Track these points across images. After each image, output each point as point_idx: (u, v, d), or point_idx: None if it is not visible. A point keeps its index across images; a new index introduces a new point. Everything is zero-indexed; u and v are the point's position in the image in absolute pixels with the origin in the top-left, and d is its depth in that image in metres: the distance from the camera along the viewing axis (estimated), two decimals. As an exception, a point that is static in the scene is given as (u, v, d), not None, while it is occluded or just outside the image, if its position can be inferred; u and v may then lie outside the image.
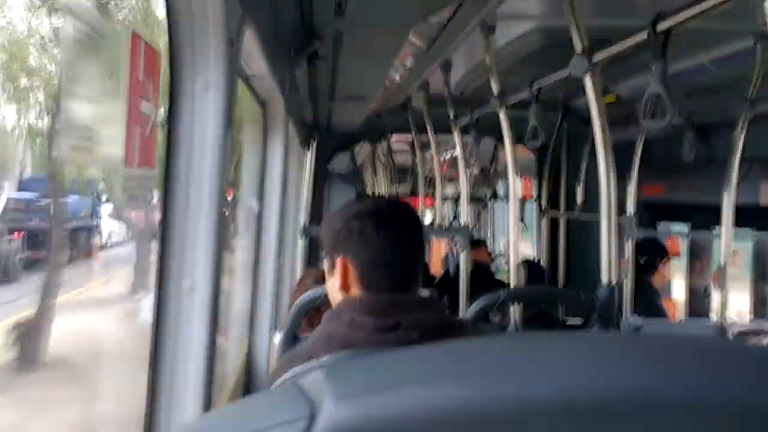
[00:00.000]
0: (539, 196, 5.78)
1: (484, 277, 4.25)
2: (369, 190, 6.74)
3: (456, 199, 7.18)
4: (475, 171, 6.85)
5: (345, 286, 1.38)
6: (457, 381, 0.37)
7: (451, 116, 3.61)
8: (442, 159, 5.83)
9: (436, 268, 7.61)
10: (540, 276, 5.24)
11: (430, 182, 8.86)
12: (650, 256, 3.93)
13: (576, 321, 4.00)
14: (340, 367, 0.42)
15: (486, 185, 7.03)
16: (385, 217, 1.35)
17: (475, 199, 7.40)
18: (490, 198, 6.87)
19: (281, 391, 0.43)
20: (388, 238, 1.33)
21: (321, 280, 2.51)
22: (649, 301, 3.85)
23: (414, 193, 7.07)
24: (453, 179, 7.64)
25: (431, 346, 0.44)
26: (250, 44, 1.66)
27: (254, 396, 0.43)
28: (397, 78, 3.67)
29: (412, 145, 5.71)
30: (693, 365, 0.41)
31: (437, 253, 8.17)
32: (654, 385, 0.38)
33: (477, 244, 5.31)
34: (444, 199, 6.93)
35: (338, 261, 1.35)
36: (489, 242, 7.60)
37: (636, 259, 3.93)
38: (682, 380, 0.39)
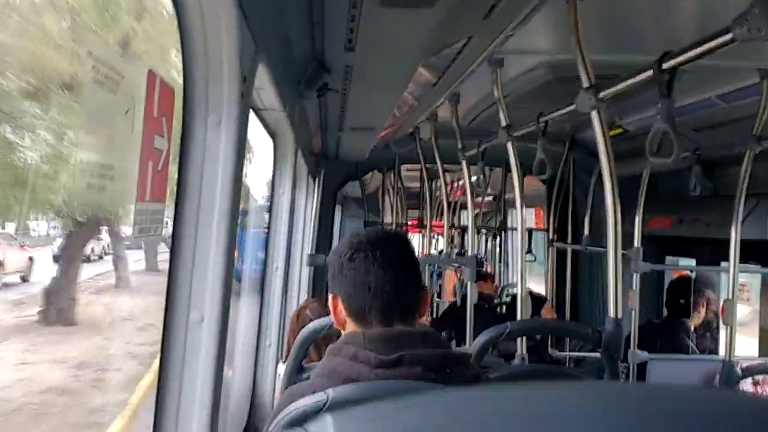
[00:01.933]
0: (547, 228, 5.78)
1: (482, 311, 4.22)
2: (380, 218, 6.76)
3: (465, 229, 7.19)
4: (488, 199, 6.87)
5: (339, 323, 1.39)
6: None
7: (459, 147, 3.64)
8: (455, 186, 5.85)
9: (448, 297, 7.59)
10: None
11: (440, 210, 8.89)
12: (688, 297, 3.86)
13: (582, 354, 3.97)
14: (345, 415, 0.43)
15: (498, 214, 7.06)
16: (359, 249, 1.34)
17: (486, 229, 7.40)
18: (500, 228, 6.87)
19: None
20: (363, 270, 1.32)
21: (318, 310, 2.52)
22: (682, 345, 3.79)
23: (422, 222, 7.08)
24: (465, 207, 7.67)
25: (431, 394, 0.45)
26: (262, 78, 1.69)
27: None
28: (406, 109, 3.71)
29: (421, 173, 5.74)
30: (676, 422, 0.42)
31: (449, 282, 8.15)
32: None
33: (481, 276, 5.29)
34: (451, 227, 6.94)
35: (331, 299, 1.37)
36: (499, 273, 7.57)
37: (676, 301, 3.89)
38: None
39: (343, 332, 1.42)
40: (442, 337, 1.39)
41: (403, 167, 5.96)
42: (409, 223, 6.64)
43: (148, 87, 1.03)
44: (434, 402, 0.45)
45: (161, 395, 1.21)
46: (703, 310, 3.90)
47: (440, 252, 6.77)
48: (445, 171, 4.21)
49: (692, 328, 3.89)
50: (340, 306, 1.38)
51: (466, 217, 7.42)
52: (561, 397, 0.44)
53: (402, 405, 0.43)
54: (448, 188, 6.32)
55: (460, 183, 6.20)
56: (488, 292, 5.10)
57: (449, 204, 6.86)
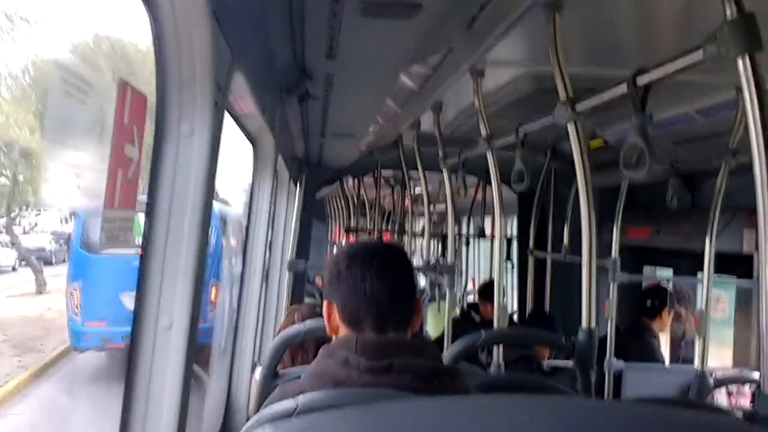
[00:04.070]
0: (519, 236, 5.82)
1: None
2: (335, 223, 6.84)
3: (436, 236, 7.21)
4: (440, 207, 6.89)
5: (332, 329, 1.41)
6: None
7: (441, 155, 3.66)
8: (412, 195, 5.90)
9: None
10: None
11: (387, 217, 8.92)
12: (660, 302, 3.98)
13: (561, 363, 4.00)
14: (289, 426, 0.44)
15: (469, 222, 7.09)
16: (357, 257, 1.38)
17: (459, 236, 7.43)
18: (477, 236, 6.90)
19: None
20: (360, 277, 1.35)
21: (309, 316, 2.52)
22: (646, 344, 3.87)
23: (402, 229, 7.10)
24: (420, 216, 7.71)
25: (393, 405, 0.46)
26: (240, 85, 1.69)
27: None
28: (390, 116, 3.73)
29: (376, 182, 5.78)
30: None
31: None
32: None
33: (489, 297, 4.80)
34: (414, 235, 6.96)
35: (325, 306, 1.39)
36: (468, 280, 7.57)
37: (643, 302, 3.99)
38: None
39: (332, 339, 1.43)
40: (434, 348, 1.40)
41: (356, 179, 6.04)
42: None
43: (119, 95, 1.04)
44: (379, 412, 0.46)
45: (128, 399, 1.21)
46: (666, 318, 4.00)
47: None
48: (425, 178, 4.22)
49: (658, 330, 3.98)
50: (335, 313, 1.40)
51: (416, 225, 7.47)
52: (510, 412, 0.46)
53: (343, 415, 0.44)
54: (404, 195, 6.37)
55: (417, 190, 6.22)
56: (489, 318, 4.84)
57: (404, 212, 6.90)
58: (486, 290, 5.03)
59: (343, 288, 1.37)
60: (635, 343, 3.73)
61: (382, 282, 1.36)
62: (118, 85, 1.03)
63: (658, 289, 4.11)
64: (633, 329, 3.93)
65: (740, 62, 1.51)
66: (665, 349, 4.88)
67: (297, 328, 2.02)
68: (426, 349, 1.35)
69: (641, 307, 4.00)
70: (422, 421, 0.43)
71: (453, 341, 4.06)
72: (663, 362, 4.04)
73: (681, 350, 4.78)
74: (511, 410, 0.45)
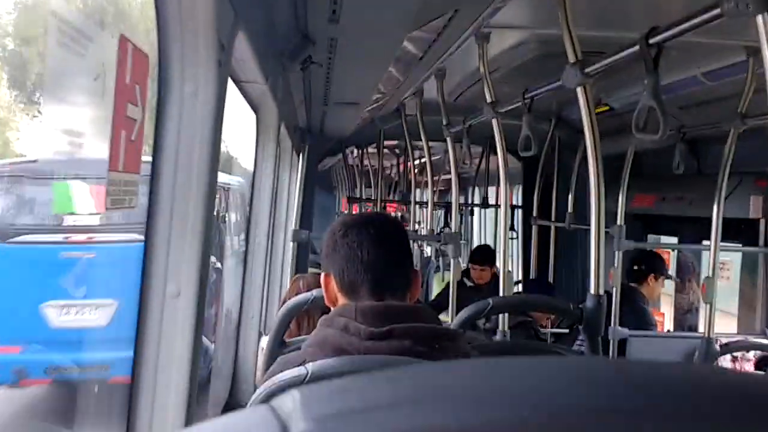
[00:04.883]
0: (524, 205, 5.79)
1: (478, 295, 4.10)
2: (342, 194, 6.81)
3: (441, 206, 7.19)
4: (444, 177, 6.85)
5: (330, 300, 1.42)
6: (419, 407, 0.37)
7: (444, 123, 3.61)
8: (416, 164, 5.86)
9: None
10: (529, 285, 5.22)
11: (394, 188, 8.91)
12: (646, 267, 3.97)
13: (563, 330, 4.00)
14: (313, 390, 0.42)
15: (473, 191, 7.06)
16: (353, 226, 1.39)
17: (462, 206, 7.42)
18: (481, 205, 6.87)
19: (255, 414, 0.42)
20: (357, 244, 1.36)
21: (314, 284, 2.51)
22: (638, 309, 3.87)
23: (406, 198, 7.07)
24: (420, 185, 7.67)
25: (403, 369, 0.44)
26: (243, 49, 1.65)
27: (229, 416, 0.42)
28: (392, 85, 3.68)
29: (379, 151, 5.74)
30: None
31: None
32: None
33: (489, 260, 4.85)
34: (419, 204, 6.94)
35: (323, 277, 1.40)
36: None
37: (631, 267, 3.98)
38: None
39: (332, 309, 1.43)
40: (432, 313, 1.42)
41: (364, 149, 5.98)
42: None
43: (119, 53, 1.00)
44: (407, 376, 0.44)
45: (137, 369, 1.19)
46: (654, 284, 4.00)
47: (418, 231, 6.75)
48: (429, 147, 4.18)
49: (647, 296, 3.98)
50: (332, 283, 1.41)
51: (422, 195, 7.45)
52: (533, 371, 0.44)
53: (373, 379, 0.42)
54: (410, 165, 6.34)
55: (422, 160, 6.18)
56: (484, 282, 4.76)
57: (408, 182, 6.86)
58: (477, 254, 5.02)
59: (340, 257, 1.38)
60: (626, 308, 3.72)
61: (379, 249, 1.37)
62: (119, 42, 0.99)
63: (646, 253, 4.08)
64: (621, 295, 3.93)
65: (759, 20, 1.46)
66: (669, 319, 4.88)
67: (304, 296, 2.00)
68: (424, 313, 1.36)
69: (628, 272, 3.99)
70: (452, 382, 0.41)
71: (444, 307, 4.08)
72: (655, 327, 4.04)
73: (686, 321, 4.78)
74: (540, 371, 0.43)
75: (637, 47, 1.85)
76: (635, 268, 3.99)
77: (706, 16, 1.60)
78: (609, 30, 2.50)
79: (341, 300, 1.40)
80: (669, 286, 4.72)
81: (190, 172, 1.19)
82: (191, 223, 1.20)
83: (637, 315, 3.81)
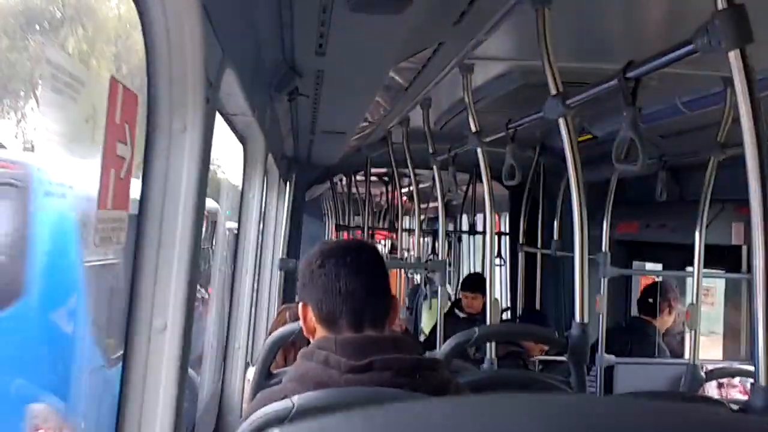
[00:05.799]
0: (511, 231, 5.82)
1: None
2: (331, 222, 6.82)
3: (428, 233, 7.22)
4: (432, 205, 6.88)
5: (309, 330, 1.41)
6: None
7: (431, 151, 3.65)
8: (403, 192, 5.90)
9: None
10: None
11: (384, 215, 8.95)
12: (661, 299, 3.94)
13: (550, 358, 4.01)
14: (297, 429, 0.43)
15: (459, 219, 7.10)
16: (330, 256, 1.38)
17: (448, 233, 7.44)
18: (469, 232, 6.91)
19: None
20: (334, 275, 1.35)
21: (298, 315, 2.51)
22: (649, 341, 3.85)
23: (393, 226, 7.08)
24: (408, 212, 7.72)
25: (380, 408, 0.46)
26: (230, 83, 1.68)
27: None
28: (379, 113, 3.72)
29: (366, 179, 5.77)
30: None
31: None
32: None
33: (480, 288, 4.65)
34: (406, 230, 6.96)
35: (300, 307, 1.39)
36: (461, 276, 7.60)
37: (644, 300, 3.97)
38: None
39: (312, 340, 1.43)
40: (412, 343, 1.41)
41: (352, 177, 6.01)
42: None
43: (110, 93, 1.02)
44: (400, 412, 0.46)
45: (123, 402, 1.19)
46: (667, 313, 3.99)
47: (405, 258, 6.77)
48: (416, 175, 4.22)
49: (659, 328, 3.97)
50: (310, 314, 1.40)
51: (412, 222, 7.50)
52: (508, 409, 0.45)
53: (365, 415, 0.43)
54: (396, 193, 6.38)
55: (410, 188, 6.23)
56: (475, 311, 4.68)
57: (396, 209, 6.90)
58: (468, 282, 5.01)
59: (317, 288, 1.37)
60: (640, 343, 3.71)
61: (356, 279, 1.36)
62: (110, 83, 1.02)
63: (659, 286, 4.08)
64: (635, 329, 3.90)
65: (731, 55, 1.50)
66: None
67: (291, 327, 2.01)
68: (403, 344, 1.36)
69: (641, 305, 3.97)
70: (432, 422, 0.42)
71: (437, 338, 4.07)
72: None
73: (670, 345, 4.79)
74: (515, 410, 0.45)
75: (615, 80, 1.89)
76: (650, 300, 3.94)
77: (680, 52, 1.64)
78: (590, 62, 2.55)
79: (320, 331, 1.39)
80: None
81: (177, 207, 1.20)
82: (178, 257, 1.21)
83: (651, 348, 3.79)
